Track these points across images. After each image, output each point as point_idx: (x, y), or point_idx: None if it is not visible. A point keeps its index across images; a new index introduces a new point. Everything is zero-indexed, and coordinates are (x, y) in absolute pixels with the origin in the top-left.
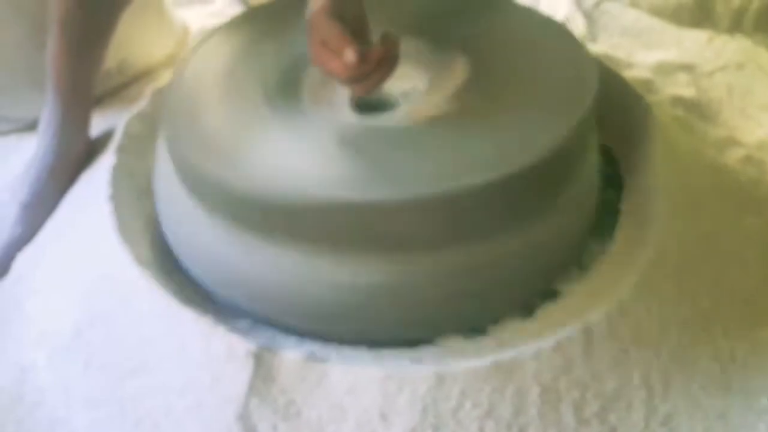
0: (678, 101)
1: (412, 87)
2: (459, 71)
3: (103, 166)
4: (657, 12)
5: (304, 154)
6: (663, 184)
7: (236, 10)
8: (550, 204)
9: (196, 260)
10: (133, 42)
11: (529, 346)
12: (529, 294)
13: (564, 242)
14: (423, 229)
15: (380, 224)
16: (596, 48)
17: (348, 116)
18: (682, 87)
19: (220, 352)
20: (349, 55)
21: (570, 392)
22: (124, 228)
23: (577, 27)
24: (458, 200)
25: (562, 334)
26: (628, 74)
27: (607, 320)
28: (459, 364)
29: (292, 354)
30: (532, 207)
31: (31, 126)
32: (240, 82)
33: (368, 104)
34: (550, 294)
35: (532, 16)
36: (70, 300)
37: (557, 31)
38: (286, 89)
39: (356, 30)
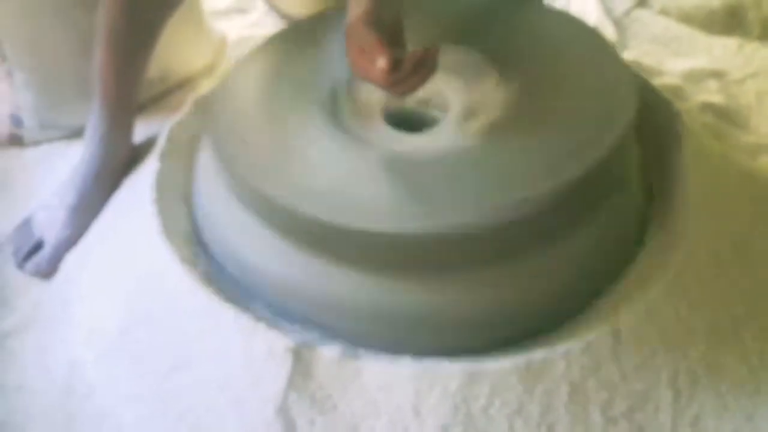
0: (708, 108)
1: (448, 100)
2: (494, 83)
3: (147, 171)
4: (687, 20)
5: (351, 178)
6: (693, 189)
7: (273, 20)
8: (592, 218)
9: (236, 262)
10: (174, 52)
11: (559, 346)
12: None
13: (602, 256)
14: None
15: (423, 251)
16: (627, 55)
17: (388, 134)
18: (712, 94)
19: (260, 348)
20: (382, 62)
21: (598, 392)
22: (167, 230)
23: (608, 34)
24: (504, 228)
25: (591, 335)
26: (658, 81)
27: (635, 322)
28: (489, 363)
29: (328, 351)
30: (573, 221)
31: (77, 133)
32: (282, 97)
33: (402, 118)
34: None
35: (566, 20)
36: (116, 300)
37: (591, 37)
38: (327, 105)
39: (393, 36)
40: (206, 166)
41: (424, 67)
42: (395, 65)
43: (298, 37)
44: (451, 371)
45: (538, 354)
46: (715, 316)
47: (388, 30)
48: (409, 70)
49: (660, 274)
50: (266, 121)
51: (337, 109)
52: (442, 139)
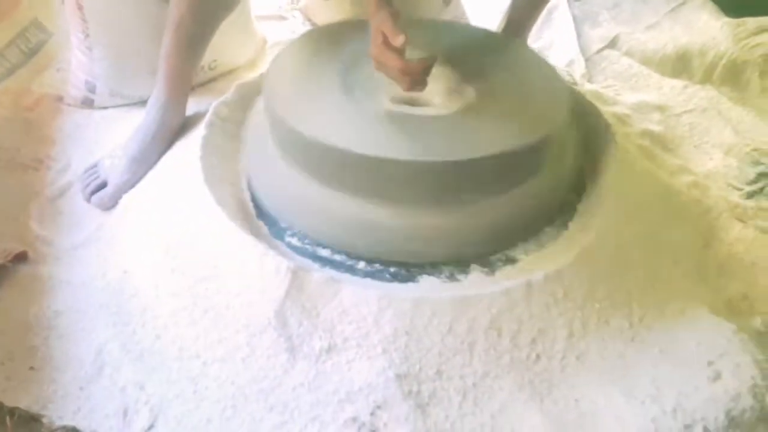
0: (647, 134)
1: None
2: (470, 91)
3: (195, 135)
4: (646, 61)
5: (357, 124)
6: (613, 191)
7: (306, 28)
8: (538, 173)
9: (272, 196)
10: (223, 47)
11: (484, 289)
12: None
13: (544, 204)
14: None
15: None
16: (592, 86)
17: (391, 107)
18: (653, 123)
19: (268, 267)
20: (400, 39)
21: (510, 325)
22: (209, 179)
23: (579, 68)
24: (471, 166)
25: (510, 283)
26: (613, 109)
27: (544, 279)
28: (432, 294)
29: (318, 274)
30: (521, 175)
31: (138, 102)
32: (312, 76)
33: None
34: (511, 260)
35: (532, 58)
36: (162, 227)
37: (548, 68)
38: (345, 85)
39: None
40: (256, 125)
41: (428, 73)
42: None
43: (327, 35)
44: (404, 296)
45: (469, 291)
46: (611, 285)
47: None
48: (419, 71)
49: (573, 249)
50: (298, 90)
51: (352, 86)
52: (431, 111)
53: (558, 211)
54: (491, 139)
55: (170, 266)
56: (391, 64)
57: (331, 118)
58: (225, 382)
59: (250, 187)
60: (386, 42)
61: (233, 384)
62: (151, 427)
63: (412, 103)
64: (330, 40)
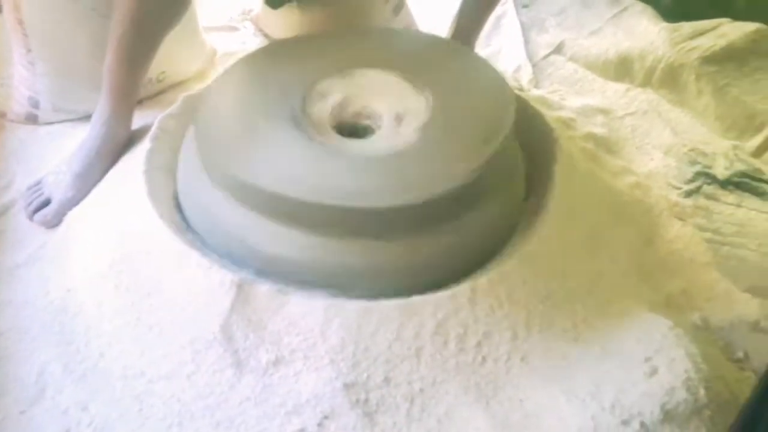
0: (590, 137)
1: (379, 111)
2: (422, 104)
3: (140, 149)
4: (590, 66)
5: (302, 165)
6: (557, 194)
7: (258, 40)
8: (478, 207)
9: (205, 225)
10: (171, 59)
11: (430, 294)
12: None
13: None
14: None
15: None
16: (538, 92)
17: (335, 139)
18: (597, 126)
19: (213, 281)
20: None
21: (456, 329)
22: (152, 194)
23: (527, 74)
24: (409, 210)
25: (456, 288)
26: (558, 114)
27: (488, 283)
28: (378, 302)
29: (264, 286)
30: (463, 211)
31: (83, 118)
32: (254, 101)
33: (350, 128)
34: None
35: (481, 66)
36: (106, 243)
37: (494, 77)
38: (290, 111)
39: None
40: (188, 149)
41: None
42: None
43: (276, 53)
44: (351, 305)
45: (415, 298)
46: (554, 285)
47: None
48: None
49: (517, 250)
50: (239, 119)
51: (298, 115)
52: (377, 140)
53: None
54: (432, 177)
55: (114, 283)
56: None
57: (263, 152)
58: (170, 399)
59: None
60: None
61: (179, 401)
62: None
63: (357, 131)
64: (281, 57)
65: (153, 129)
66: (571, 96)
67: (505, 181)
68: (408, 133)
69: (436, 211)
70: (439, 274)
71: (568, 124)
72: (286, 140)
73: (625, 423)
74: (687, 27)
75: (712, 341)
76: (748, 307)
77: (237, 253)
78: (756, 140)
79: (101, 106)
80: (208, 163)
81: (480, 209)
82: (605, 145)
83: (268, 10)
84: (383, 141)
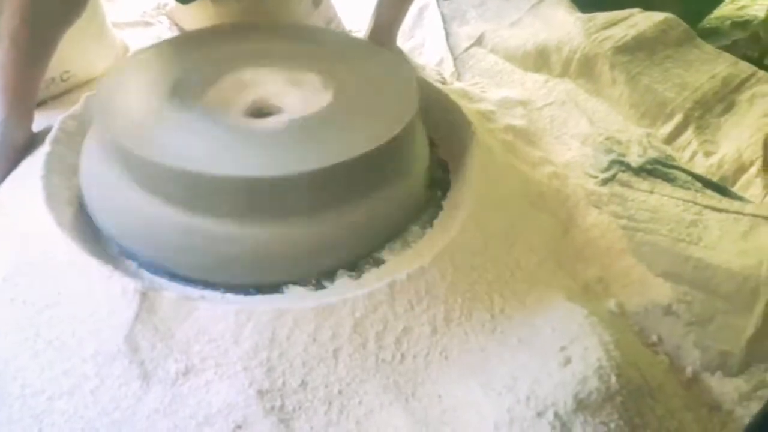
0: (510, 129)
1: (293, 103)
2: (327, 94)
3: (40, 153)
4: (509, 58)
5: (201, 142)
6: (476, 187)
7: (172, 34)
8: (386, 181)
9: (113, 220)
10: (76, 57)
11: (348, 293)
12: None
13: (393, 215)
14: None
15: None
16: (460, 85)
17: (239, 120)
18: (516, 118)
19: (115, 290)
20: None
21: (374, 326)
22: (50, 200)
23: (448, 67)
24: (313, 178)
25: (374, 285)
26: (478, 106)
27: (407, 278)
28: (293, 303)
29: (170, 293)
30: (368, 186)
31: None
32: (158, 88)
33: (255, 114)
34: (378, 262)
35: (392, 61)
36: (2, 254)
37: (404, 70)
38: (194, 96)
39: None
40: (90, 145)
41: None
42: None
43: (184, 43)
44: (264, 308)
45: (331, 298)
46: (473, 278)
47: None
48: None
49: (437, 244)
50: (143, 102)
51: (201, 98)
52: (281, 120)
53: (423, 209)
54: (338, 147)
55: (9, 296)
56: None
57: (167, 133)
58: (73, 416)
59: (84, 204)
60: None
61: (82, 418)
62: None
63: (265, 112)
64: (187, 47)
65: (53, 131)
66: (491, 88)
67: (408, 165)
68: (311, 117)
69: (336, 186)
70: (343, 255)
71: (487, 116)
72: (190, 121)
73: (540, 414)
74: (600, 17)
75: (628, 327)
76: (661, 291)
77: (145, 250)
78: (667, 127)
79: None
80: (110, 147)
81: (381, 191)
82: (524, 136)
83: None
84: (287, 121)
